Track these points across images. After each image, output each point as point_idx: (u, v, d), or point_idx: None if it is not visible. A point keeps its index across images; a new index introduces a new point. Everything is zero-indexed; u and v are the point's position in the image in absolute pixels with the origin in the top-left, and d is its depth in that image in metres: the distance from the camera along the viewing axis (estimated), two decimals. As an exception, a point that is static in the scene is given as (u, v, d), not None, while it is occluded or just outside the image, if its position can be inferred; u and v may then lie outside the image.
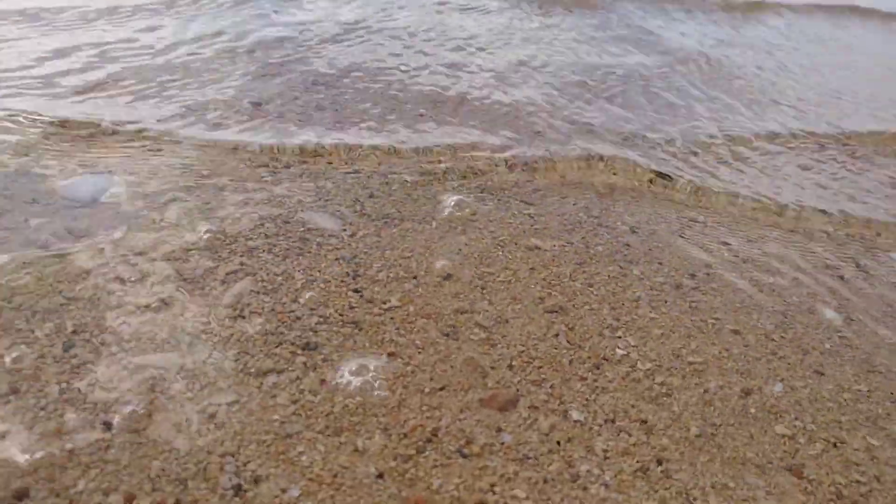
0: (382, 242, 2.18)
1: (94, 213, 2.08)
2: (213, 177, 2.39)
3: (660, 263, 2.32)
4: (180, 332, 1.69)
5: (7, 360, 1.53)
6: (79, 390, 1.49)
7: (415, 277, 2.03)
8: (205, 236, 2.05)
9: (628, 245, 2.41)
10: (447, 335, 1.83)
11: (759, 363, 1.92)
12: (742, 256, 2.46)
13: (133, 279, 1.83)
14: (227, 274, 1.91)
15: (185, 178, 2.35)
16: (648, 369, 1.83)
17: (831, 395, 1.86)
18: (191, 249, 1.98)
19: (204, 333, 1.70)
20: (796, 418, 1.75)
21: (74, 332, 1.63)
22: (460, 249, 2.21)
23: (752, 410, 1.75)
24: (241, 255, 1.99)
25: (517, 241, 2.31)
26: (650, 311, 2.06)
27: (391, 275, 2.03)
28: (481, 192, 2.59)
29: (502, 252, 2.24)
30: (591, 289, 2.13)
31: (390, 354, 1.74)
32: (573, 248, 2.33)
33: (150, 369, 1.58)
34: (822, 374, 1.93)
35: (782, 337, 2.06)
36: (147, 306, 1.75)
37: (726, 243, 2.53)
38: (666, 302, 2.12)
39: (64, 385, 1.50)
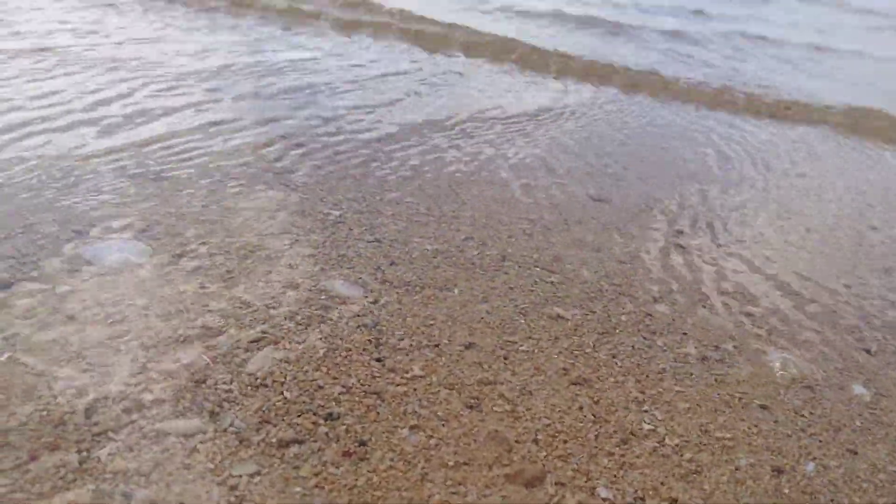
0: (404, 310, 2.17)
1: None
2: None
3: (684, 334, 2.30)
4: (202, 400, 1.67)
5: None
6: (98, 459, 1.47)
7: (437, 346, 2.02)
8: (227, 304, 2.05)
9: (651, 315, 2.39)
10: (470, 407, 1.80)
11: (789, 440, 1.87)
12: (767, 328, 2.43)
13: (159, 343, 1.83)
14: (250, 342, 1.90)
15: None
16: (677, 445, 1.78)
17: (866, 475, 1.80)
18: (212, 310, 1.98)
19: (226, 402, 1.68)
20: (832, 500, 1.69)
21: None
22: (482, 318, 2.20)
23: (786, 490, 1.69)
24: (263, 323, 1.99)
25: (539, 310, 2.30)
26: (676, 385, 2.02)
27: (413, 343, 2.01)
28: (502, 259, 2.59)
29: (524, 320, 2.23)
30: (615, 360, 2.10)
31: (413, 427, 1.71)
32: (595, 318, 2.31)
33: (171, 437, 1.56)
34: (856, 452, 1.87)
35: (811, 413, 2.01)
36: (171, 373, 1.74)
37: (749, 314, 2.51)
38: (692, 375, 2.09)
39: (84, 454, 1.47)
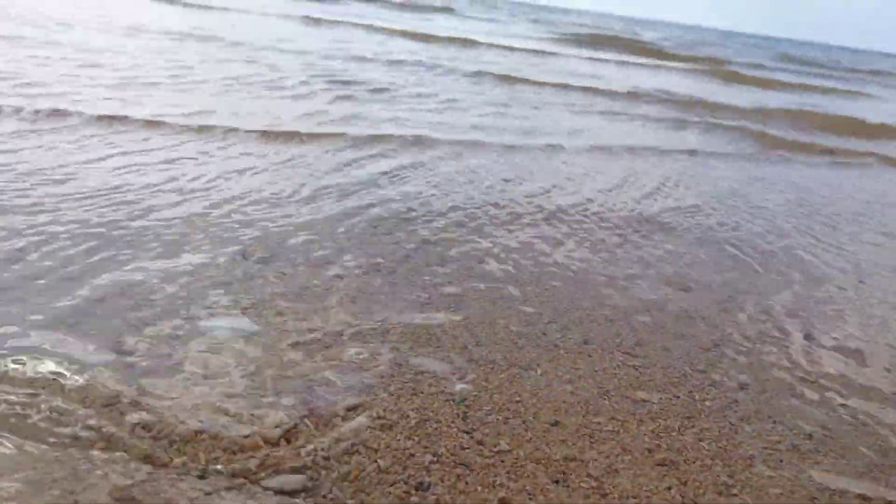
0: (491, 387, 2.25)
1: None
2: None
3: (774, 422, 2.26)
4: (300, 466, 1.78)
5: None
6: (212, 512, 1.58)
7: (523, 422, 2.07)
8: (325, 374, 2.19)
9: (737, 401, 2.37)
10: (557, 482, 1.84)
11: (891, 533, 1.80)
12: (861, 419, 2.36)
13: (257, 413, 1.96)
14: (348, 410, 2.01)
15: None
16: (769, 531, 1.75)
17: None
18: (312, 378, 2.11)
19: (323, 469, 1.78)
20: None
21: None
22: (566, 398, 2.25)
23: (890, 584, 1.62)
24: (360, 393, 2.10)
25: (623, 393, 2.33)
26: (767, 470, 1.99)
27: (500, 418, 2.08)
28: (584, 343, 2.65)
29: (608, 402, 2.26)
30: (701, 443, 2.09)
31: (501, 499, 1.75)
32: (680, 402, 2.32)
33: (273, 497, 1.66)
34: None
35: (915, 507, 1.93)
36: (273, 442, 1.86)
37: (844, 405, 2.45)
38: (782, 462, 2.05)
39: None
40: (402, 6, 28.16)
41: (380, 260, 3.14)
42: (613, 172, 5.57)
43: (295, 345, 2.34)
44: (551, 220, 4.11)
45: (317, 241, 3.24)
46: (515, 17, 37.80)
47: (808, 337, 2.97)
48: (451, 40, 15.91)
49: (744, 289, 3.42)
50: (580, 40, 24.50)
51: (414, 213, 3.86)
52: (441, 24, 21.53)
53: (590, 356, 2.56)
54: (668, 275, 3.49)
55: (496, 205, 4.23)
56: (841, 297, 3.51)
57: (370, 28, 16.29)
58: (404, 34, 15.79)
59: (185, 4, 14.63)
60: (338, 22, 16.51)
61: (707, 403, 2.33)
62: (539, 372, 2.40)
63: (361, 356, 2.32)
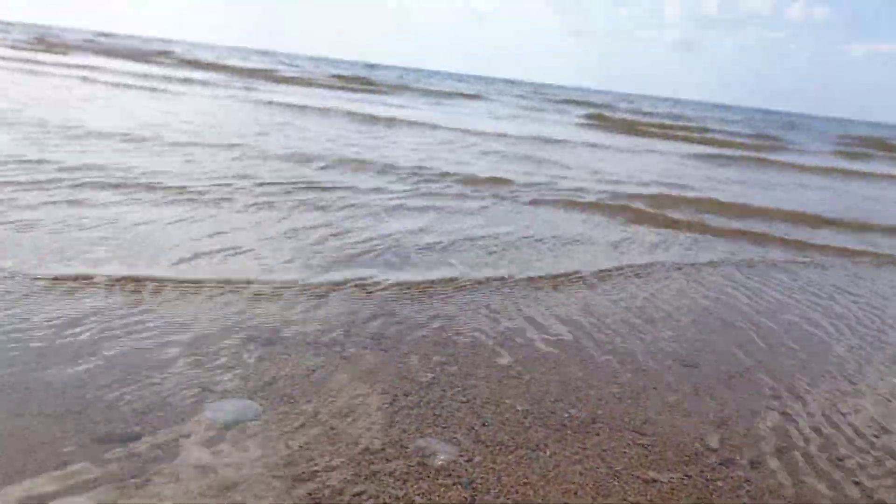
0: (498, 469, 2.22)
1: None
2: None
3: (788, 503, 2.22)
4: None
5: None
6: None
7: (532, 506, 2.04)
8: (333, 458, 2.17)
9: (749, 481, 2.33)
10: (568, 569, 1.79)
11: None
12: (876, 499, 2.31)
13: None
14: (353, 496, 1.99)
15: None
16: None
17: None
18: (317, 464, 2.09)
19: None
20: None
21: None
22: (576, 479, 2.22)
23: None
24: (365, 480, 2.08)
25: (633, 472, 2.29)
26: (783, 554, 1.94)
27: (509, 501, 2.04)
28: (593, 422, 2.62)
29: (618, 482, 2.22)
30: (715, 526, 2.05)
31: (511, 587, 1.71)
32: (691, 482, 2.28)
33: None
34: None
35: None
36: (278, 524, 1.84)
37: (857, 483, 2.40)
38: (799, 544, 2.00)
39: None
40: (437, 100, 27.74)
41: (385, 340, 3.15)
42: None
43: (300, 427, 2.33)
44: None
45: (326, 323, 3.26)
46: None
47: (821, 412, 2.93)
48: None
49: (750, 365, 3.40)
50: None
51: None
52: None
53: (598, 435, 2.53)
54: (675, 351, 3.48)
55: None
56: (851, 366, 3.48)
57: (467, 131, 14.89)
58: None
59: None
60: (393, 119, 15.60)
61: (719, 483, 2.29)
62: (548, 453, 2.37)
63: (371, 439, 2.31)
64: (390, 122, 15.03)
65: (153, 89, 15.97)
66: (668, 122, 30.40)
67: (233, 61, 40.29)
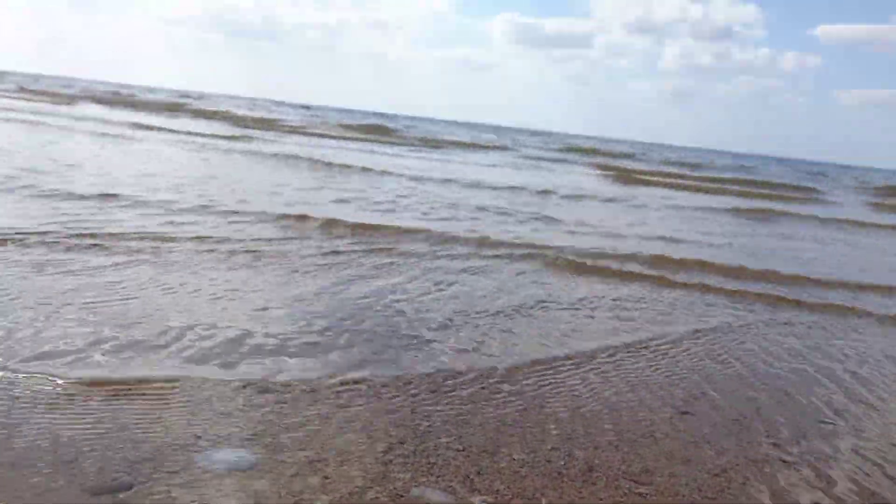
0: (494, 518, 2.19)
1: (227, 482, 2.24)
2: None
3: (787, 551, 2.18)
4: None
5: None
6: None
7: (528, 556, 2.01)
8: (325, 507, 2.14)
9: (750, 530, 2.29)
10: None
11: None
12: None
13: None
14: (346, 545, 1.96)
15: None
16: None
17: None
18: (312, 520, 2.07)
19: None
20: None
21: None
22: (572, 529, 2.19)
23: None
24: (359, 527, 2.05)
25: (630, 522, 2.26)
26: None
27: (504, 552, 2.01)
28: (590, 471, 2.60)
29: (616, 533, 2.19)
30: (714, 577, 2.01)
31: None
32: (690, 532, 2.25)
33: None
34: None
35: None
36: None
37: (859, 532, 2.36)
38: None
39: None
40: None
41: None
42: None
43: (294, 476, 2.31)
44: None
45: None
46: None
47: (823, 457, 2.90)
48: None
49: (747, 413, 3.38)
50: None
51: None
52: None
53: (595, 484, 2.50)
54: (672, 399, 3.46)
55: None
56: (851, 413, 3.45)
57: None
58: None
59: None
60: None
61: (718, 533, 2.26)
62: (544, 502, 2.34)
63: (361, 487, 2.28)
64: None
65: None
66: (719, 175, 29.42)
67: (259, 113, 40.71)
